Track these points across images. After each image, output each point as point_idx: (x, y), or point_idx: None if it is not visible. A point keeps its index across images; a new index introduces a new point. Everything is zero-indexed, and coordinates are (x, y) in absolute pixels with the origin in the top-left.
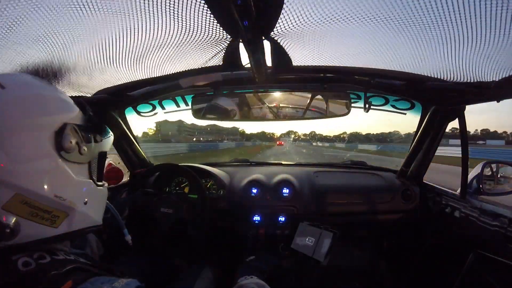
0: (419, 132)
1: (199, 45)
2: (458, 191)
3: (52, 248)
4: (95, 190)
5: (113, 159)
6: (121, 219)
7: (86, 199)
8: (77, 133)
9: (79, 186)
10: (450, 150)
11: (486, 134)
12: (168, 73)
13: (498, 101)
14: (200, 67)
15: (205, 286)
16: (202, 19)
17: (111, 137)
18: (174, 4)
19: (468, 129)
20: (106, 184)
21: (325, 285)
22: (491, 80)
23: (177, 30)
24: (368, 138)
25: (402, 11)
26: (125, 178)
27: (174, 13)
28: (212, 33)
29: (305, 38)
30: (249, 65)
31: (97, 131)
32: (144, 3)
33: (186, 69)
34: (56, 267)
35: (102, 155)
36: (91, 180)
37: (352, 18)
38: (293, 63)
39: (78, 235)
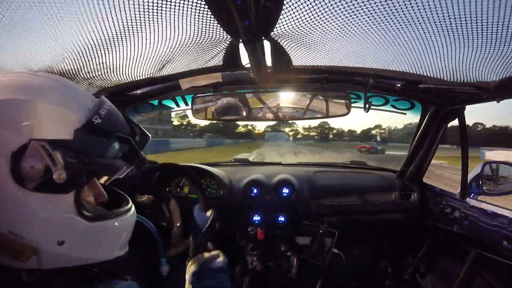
0: (419, 132)
1: (199, 46)
2: (458, 191)
3: None
4: (82, 227)
5: None
6: (163, 247)
7: (61, 239)
8: (49, 153)
9: (47, 223)
10: None
11: None
12: (168, 73)
13: (498, 101)
14: (200, 67)
15: None
16: (202, 19)
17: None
18: (174, 5)
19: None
20: (132, 210)
21: (325, 285)
22: (491, 80)
23: (178, 30)
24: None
25: (402, 12)
26: None
27: (174, 13)
28: (212, 33)
29: (305, 38)
30: (249, 65)
31: (101, 144)
32: (144, 4)
33: (186, 69)
34: (60, 277)
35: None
36: (75, 214)
37: (352, 18)
38: (293, 63)
39: (61, 273)
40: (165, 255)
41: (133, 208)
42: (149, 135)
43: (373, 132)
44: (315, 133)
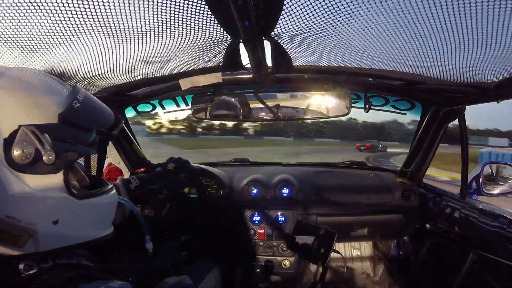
0: (419, 133)
1: (199, 46)
2: (458, 191)
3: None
4: (73, 205)
5: (113, 158)
6: (145, 224)
7: (56, 218)
8: (38, 137)
9: (42, 203)
10: None
11: None
12: (168, 73)
13: (498, 102)
14: (200, 67)
15: (212, 285)
16: (202, 19)
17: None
18: (174, 5)
19: None
20: (113, 190)
21: (325, 285)
22: (491, 81)
23: (178, 30)
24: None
25: (403, 13)
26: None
27: (174, 13)
28: (213, 33)
29: (305, 38)
30: (249, 65)
31: (83, 128)
32: (145, 4)
33: (186, 70)
34: (57, 273)
35: (100, 154)
36: (67, 193)
37: (353, 19)
38: (293, 63)
39: (57, 253)
40: (148, 233)
41: (114, 189)
42: (122, 118)
43: None
44: (182, 127)
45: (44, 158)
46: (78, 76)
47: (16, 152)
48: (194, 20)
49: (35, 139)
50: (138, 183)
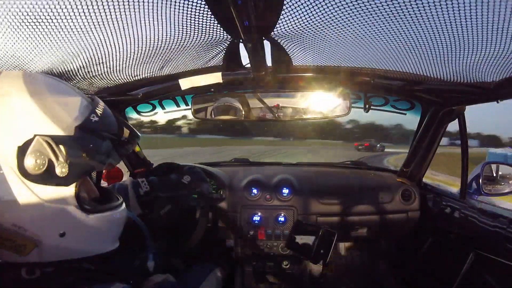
0: (419, 133)
1: (199, 46)
2: (458, 191)
3: None
4: (82, 219)
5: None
6: (151, 242)
7: (62, 231)
8: (52, 148)
9: (51, 215)
10: None
11: None
12: (168, 73)
13: (498, 102)
14: (200, 67)
15: (214, 285)
16: (202, 19)
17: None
18: (174, 5)
19: None
20: (123, 205)
21: (325, 285)
22: (491, 81)
23: (178, 31)
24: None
25: (403, 13)
26: (125, 178)
27: (174, 14)
28: (213, 33)
29: (305, 38)
30: (249, 66)
31: (98, 141)
32: (145, 4)
33: (186, 70)
34: (59, 277)
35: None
36: (76, 207)
37: (353, 19)
38: (293, 63)
39: (62, 264)
40: (152, 251)
41: (123, 204)
42: (139, 134)
43: None
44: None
45: (57, 171)
46: (77, 77)
47: (28, 162)
48: (194, 20)
49: (49, 150)
50: (148, 189)
